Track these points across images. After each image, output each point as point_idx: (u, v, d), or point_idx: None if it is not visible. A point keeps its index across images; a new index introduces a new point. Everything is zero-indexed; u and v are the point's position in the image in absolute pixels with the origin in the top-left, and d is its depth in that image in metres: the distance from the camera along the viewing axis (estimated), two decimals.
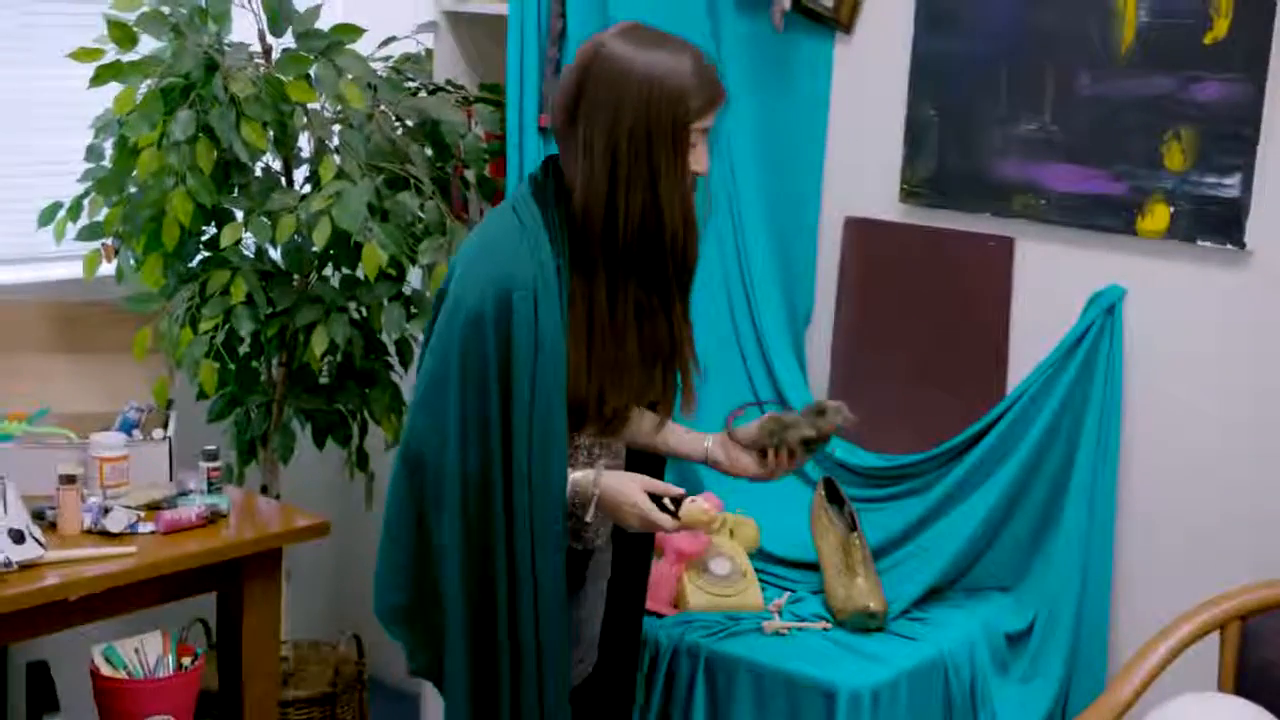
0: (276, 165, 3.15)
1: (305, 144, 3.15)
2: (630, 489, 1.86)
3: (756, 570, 2.92)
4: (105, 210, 3.04)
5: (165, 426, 2.95)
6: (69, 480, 2.59)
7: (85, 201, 3.06)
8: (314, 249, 3.00)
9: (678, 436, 2.14)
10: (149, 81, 2.93)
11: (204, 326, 2.97)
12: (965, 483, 2.97)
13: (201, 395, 3.05)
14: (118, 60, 2.95)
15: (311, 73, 2.99)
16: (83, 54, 2.95)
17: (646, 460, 2.18)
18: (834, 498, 3.01)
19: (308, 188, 3.13)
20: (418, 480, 1.92)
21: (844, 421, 2.03)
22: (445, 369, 1.88)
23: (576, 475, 1.90)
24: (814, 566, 2.95)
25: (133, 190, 3.00)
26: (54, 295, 3.17)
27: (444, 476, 1.89)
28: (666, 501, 1.87)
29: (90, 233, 3.08)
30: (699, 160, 1.88)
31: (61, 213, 3.07)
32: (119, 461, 2.77)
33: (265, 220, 2.98)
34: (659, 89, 1.82)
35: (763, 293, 3.22)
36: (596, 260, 1.87)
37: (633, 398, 1.93)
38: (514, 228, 1.88)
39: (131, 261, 3.07)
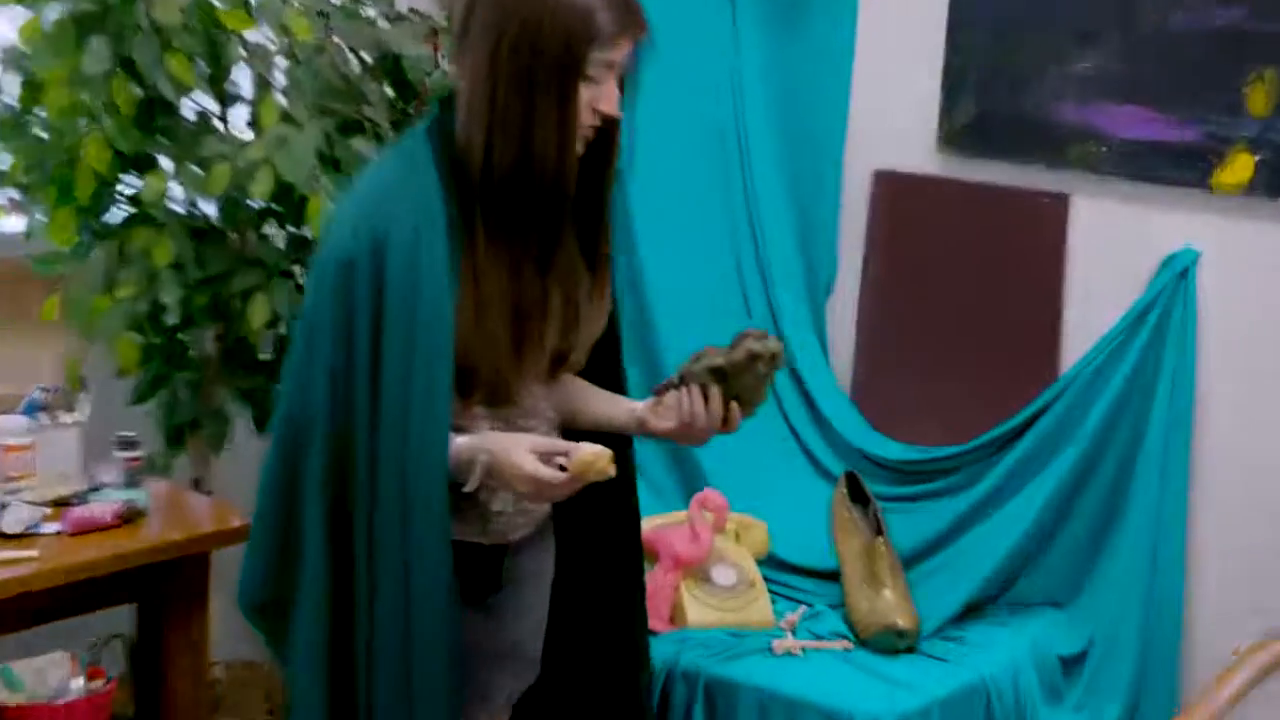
0: (210, 106, 3.08)
1: (244, 81, 3.08)
2: (516, 451, 1.80)
3: (766, 580, 2.93)
4: (8, 158, 2.98)
5: (76, 410, 2.91)
6: None
7: None
8: (253, 204, 2.97)
9: (603, 405, 2.08)
10: (58, 7, 2.86)
11: (123, 292, 2.93)
12: (1011, 479, 2.99)
13: (121, 373, 3.01)
14: None
15: None
16: None
17: (604, 443, 2.07)
18: (857, 496, 3.07)
19: (247, 132, 3.06)
20: (288, 453, 1.89)
21: (763, 350, 1.94)
22: (313, 323, 1.85)
23: (461, 441, 1.83)
24: (834, 576, 2.98)
25: (40, 134, 2.94)
26: None
27: (309, 444, 1.85)
28: (560, 460, 1.81)
29: None
30: (607, 100, 1.82)
31: None
32: (22, 451, 2.74)
33: (196, 169, 2.93)
34: (555, 2, 1.78)
35: (778, 259, 3.24)
36: (475, 209, 1.85)
37: (505, 368, 1.88)
38: (400, 166, 1.86)
39: (39, 217, 3.00)
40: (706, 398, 1.95)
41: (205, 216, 3.08)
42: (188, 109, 3.04)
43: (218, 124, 3.08)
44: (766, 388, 1.98)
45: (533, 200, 1.82)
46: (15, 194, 3.03)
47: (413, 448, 1.81)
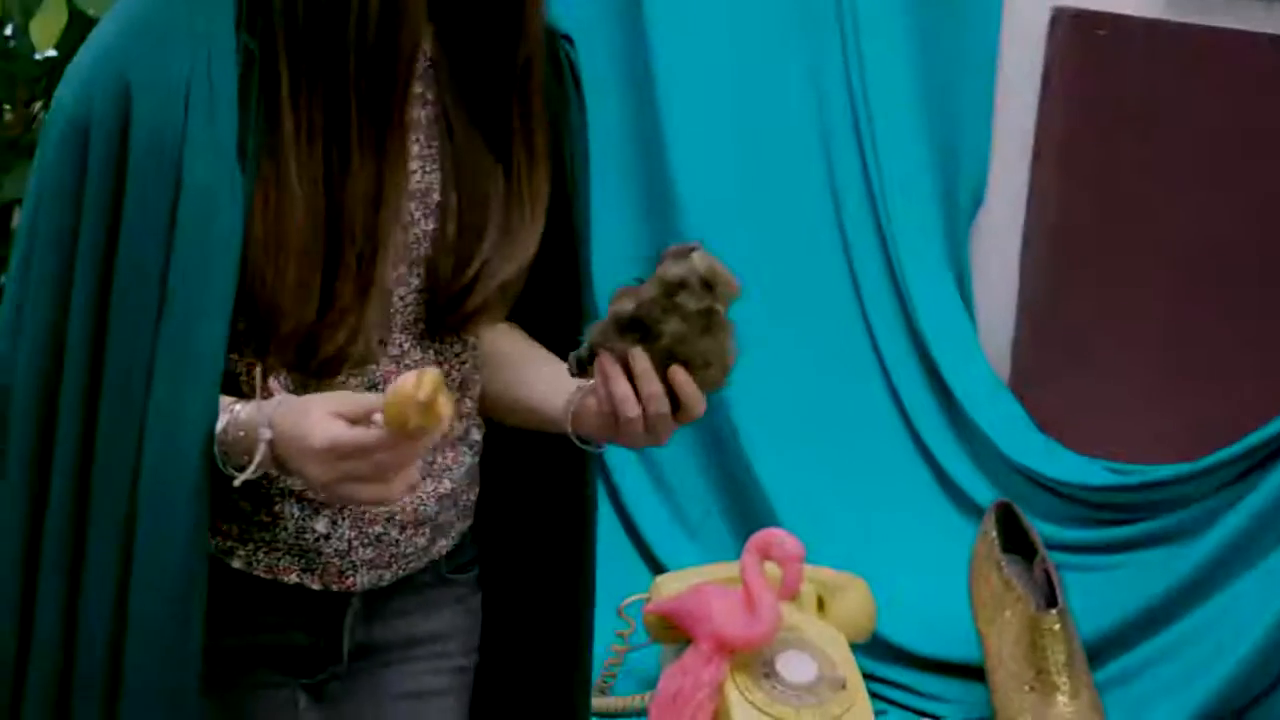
0: None
1: None
2: (307, 415, 1.64)
3: (867, 677, 2.69)
4: None
5: None
6: None
7: None
8: (36, 57, 2.88)
9: (539, 386, 1.91)
10: None
11: None
12: (1270, 521, 2.86)
13: None
14: None
15: None
16: None
17: (552, 450, 1.92)
18: (1016, 541, 2.94)
19: None
20: None
21: (685, 274, 1.77)
22: (33, 221, 1.77)
23: (241, 410, 1.70)
24: (976, 673, 2.88)
25: None
26: None
27: (10, 404, 1.76)
28: (377, 417, 1.67)
29: None
30: None
31: None
32: None
33: None
34: None
35: (894, 160, 3.10)
36: (279, 51, 1.73)
37: (312, 304, 1.75)
38: None
39: None
40: (629, 369, 1.77)
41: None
42: None
43: None
44: (723, 335, 1.79)
45: (344, 36, 1.70)
46: None
47: (153, 420, 1.69)
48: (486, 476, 1.91)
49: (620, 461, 3.05)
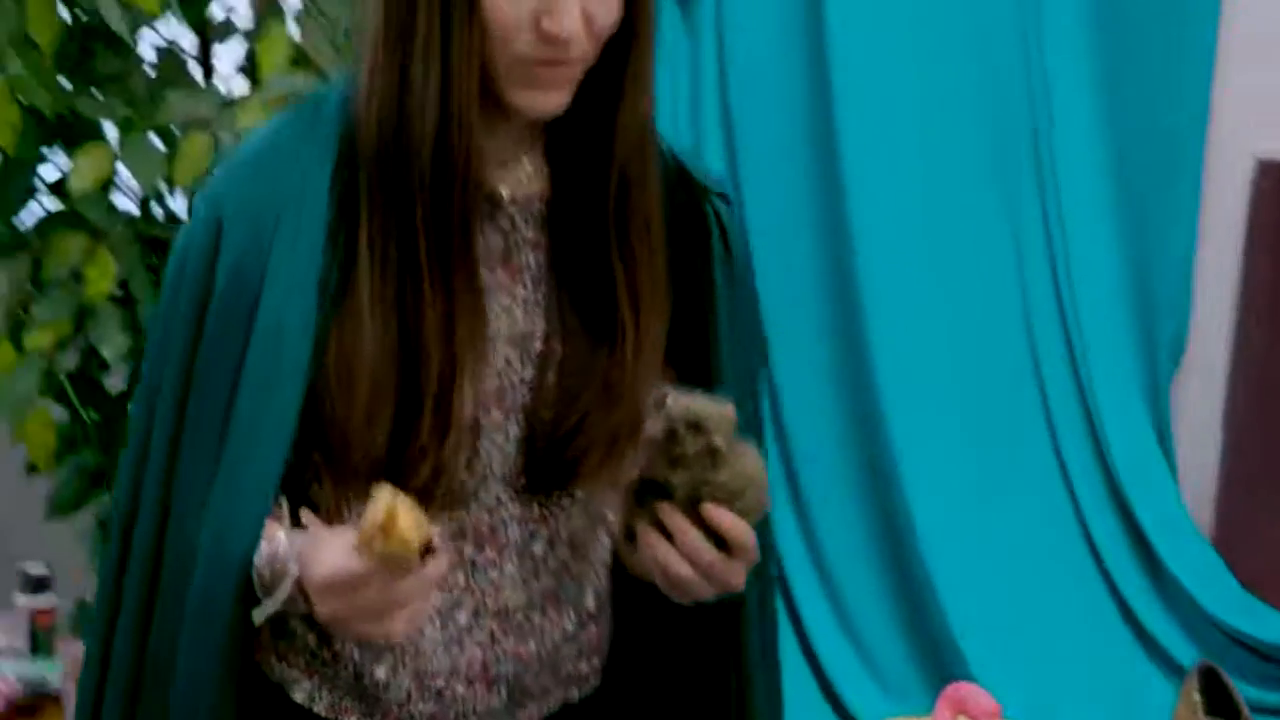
0: (184, 42, 2.88)
1: (237, 3, 2.95)
2: (325, 545, 1.68)
3: None
4: None
5: None
6: None
7: None
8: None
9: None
10: None
11: (36, 340, 2.73)
12: None
13: (31, 469, 2.84)
14: None
15: None
16: None
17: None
18: (1218, 704, 2.88)
19: (240, 83, 2.89)
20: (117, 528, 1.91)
21: (678, 419, 1.75)
22: (149, 345, 1.90)
23: (283, 538, 1.73)
24: None
25: None
26: None
27: (132, 513, 1.85)
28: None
29: None
30: (556, 8, 1.66)
31: None
32: None
33: (156, 143, 2.74)
34: None
35: (1093, 305, 3.07)
36: (360, 189, 1.78)
37: (368, 438, 1.75)
38: (290, 127, 1.82)
39: None
40: (667, 531, 1.77)
41: (170, 218, 2.93)
42: (146, 46, 2.87)
43: (194, 70, 2.91)
44: (739, 460, 1.76)
45: (411, 174, 1.73)
46: None
47: (205, 543, 1.75)
48: (636, 627, 1.87)
49: (810, 607, 2.95)
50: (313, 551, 1.70)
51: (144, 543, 1.82)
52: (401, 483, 1.71)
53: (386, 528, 1.60)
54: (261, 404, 1.76)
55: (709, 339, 1.86)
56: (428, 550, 1.64)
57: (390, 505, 1.60)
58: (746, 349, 1.93)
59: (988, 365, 3.08)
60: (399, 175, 1.75)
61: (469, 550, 1.82)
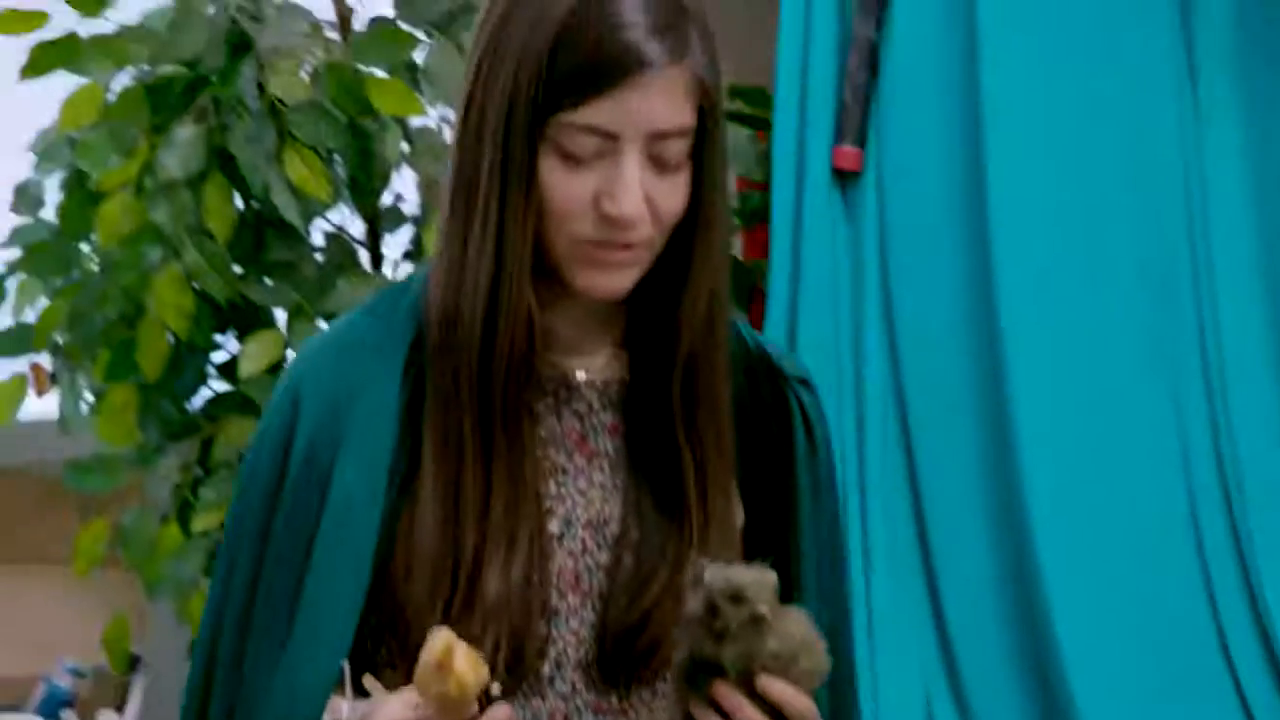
0: (353, 229, 2.94)
1: (407, 191, 2.96)
2: (387, 707, 1.66)
3: None
4: (43, 302, 2.90)
5: (122, 708, 2.95)
6: None
7: (9, 285, 2.90)
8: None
9: None
10: (128, 73, 2.77)
11: (203, 522, 2.74)
12: None
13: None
14: (72, 34, 2.75)
15: (419, 62, 2.82)
16: (9, 19, 2.77)
17: None
18: None
19: (406, 270, 2.93)
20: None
21: (720, 590, 1.68)
22: (225, 526, 1.90)
23: (346, 711, 1.72)
24: None
25: (91, 267, 2.85)
26: None
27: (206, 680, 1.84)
28: None
29: (14, 342, 2.90)
30: (618, 189, 1.64)
31: None
32: None
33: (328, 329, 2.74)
34: (513, 25, 1.69)
35: (1259, 494, 2.82)
36: (425, 375, 1.81)
37: (424, 616, 1.72)
38: (374, 311, 1.84)
39: (84, 398, 2.88)
40: (723, 711, 1.71)
41: None
42: (317, 233, 2.94)
43: (363, 258, 2.96)
44: (787, 623, 1.71)
45: (461, 359, 1.74)
46: (48, 360, 2.95)
47: (271, 710, 1.75)
48: None
49: None
50: (373, 713, 1.70)
51: (219, 695, 1.80)
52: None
53: (443, 666, 1.61)
54: (329, 582, 1.75)
55: (792, 527, 1.83)
56: (489, 699, 1.65)
57: (447, 643, 1.60)
58: (830, 540, 1.88)
59: (1151, 554, 2.80)
60: (452, 359, 1.75)
61: None
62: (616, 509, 1.79)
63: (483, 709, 1.64)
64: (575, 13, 1.64)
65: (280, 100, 2.70)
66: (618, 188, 1.62)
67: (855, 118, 2.69)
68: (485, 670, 1.63)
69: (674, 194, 1.65)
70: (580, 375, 1.78)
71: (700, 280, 1.72)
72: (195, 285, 2.73)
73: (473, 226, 1.71)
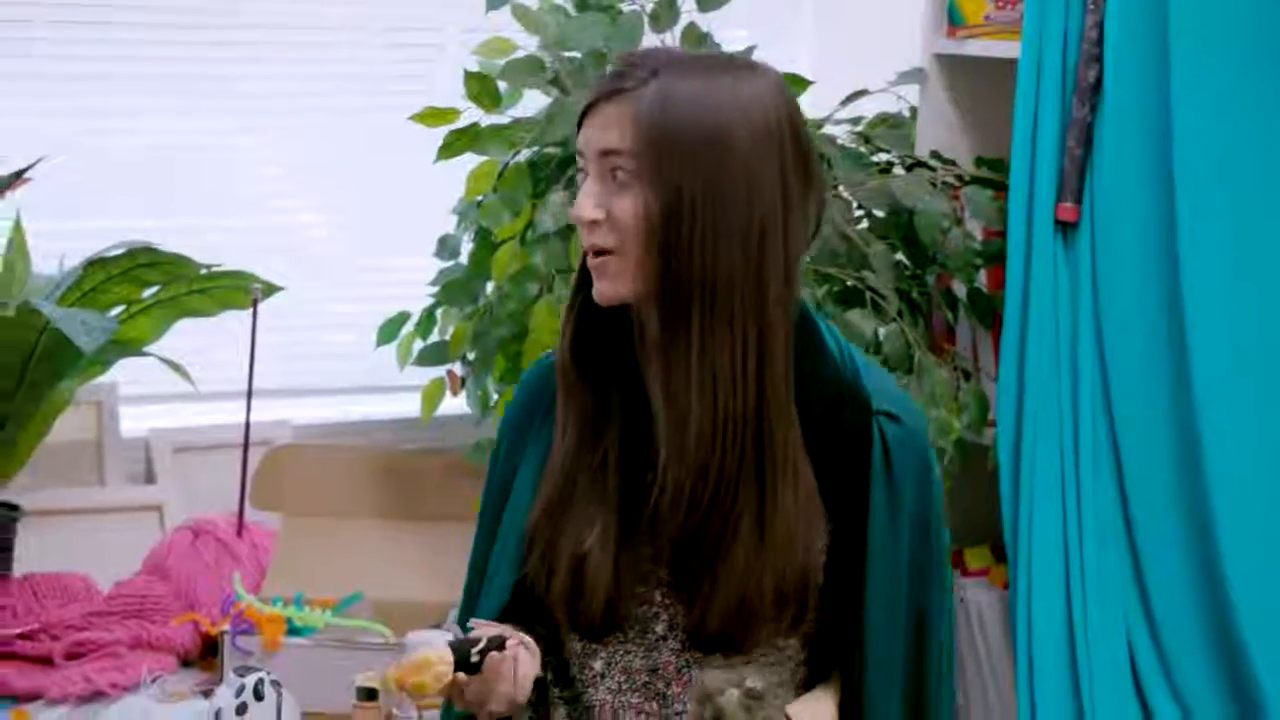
0: None
1: None
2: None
3: None
4: (455, 325, 3.07)
5: None
6: (368, 696, 2.28)
7: (438, 313, 3.11)
8: None
9: None
10: (521, 153, 2.94)
11: None
12: None
13: None
14: (475, 124, 2.97)
15: None
16: (430, 115, 2.99)
17: None
18: None
19: None
20: None
21: (735, 704, 1.66)
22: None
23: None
24: None
25: (490, 299, 2.99)
26: (384, 440, 3.25)
27: None
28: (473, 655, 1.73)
29: (434, 355, 3.09)
30: (579, 201, 1.73)
31: (409, 326, 3.15)
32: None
33: None
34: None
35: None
36: None
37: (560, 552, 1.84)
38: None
39: (494, 395, 3.03)
40: None
41: None
42: None
43: None
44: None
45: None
46: (459, 368, 3.11)
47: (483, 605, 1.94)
48: None
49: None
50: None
51: None
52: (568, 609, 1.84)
53: (427, 673, 1.75)
54: (501, 536, 1.91)
55: (863, 543, 1.78)
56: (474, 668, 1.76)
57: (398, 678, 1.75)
58: (911, 561, 1.81)
59: None
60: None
61: (659, 686, 1.85)
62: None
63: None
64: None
65: None
66: (578, 196, 1.74)
67: (1073, 180, 2.80)
68: (442, 683, 1.74)
69: (627, 205, 1.70)
70: None
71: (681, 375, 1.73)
72: None
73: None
